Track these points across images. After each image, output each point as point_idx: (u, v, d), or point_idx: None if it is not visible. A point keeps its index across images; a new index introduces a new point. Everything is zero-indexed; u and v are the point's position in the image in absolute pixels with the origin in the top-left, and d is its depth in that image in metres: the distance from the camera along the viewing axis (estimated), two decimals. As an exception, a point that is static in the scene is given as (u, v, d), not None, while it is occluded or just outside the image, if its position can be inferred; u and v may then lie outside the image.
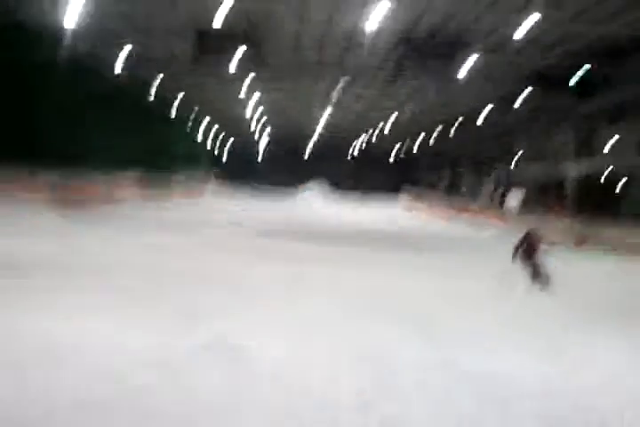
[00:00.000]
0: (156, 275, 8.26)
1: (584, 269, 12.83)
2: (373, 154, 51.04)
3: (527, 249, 9.31)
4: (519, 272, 9.17)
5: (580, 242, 20.84)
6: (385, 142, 46.19)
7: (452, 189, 42.39)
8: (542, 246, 9.35)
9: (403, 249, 14.69)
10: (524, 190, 31.22)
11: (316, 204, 37.56)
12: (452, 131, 36.65)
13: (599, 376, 5.04)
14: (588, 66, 19.74)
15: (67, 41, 17.12)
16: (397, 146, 49.90)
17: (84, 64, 19.04)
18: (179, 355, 4.80)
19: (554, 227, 23.21)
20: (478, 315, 7.10)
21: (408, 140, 45.53)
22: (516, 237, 9.57)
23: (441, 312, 7.13)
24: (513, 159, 33.59)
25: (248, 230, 17.07)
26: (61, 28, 16.29)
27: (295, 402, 4.03)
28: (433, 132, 39.60)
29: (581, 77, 21.02)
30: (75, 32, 16.41)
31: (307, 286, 8.24)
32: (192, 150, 39.49)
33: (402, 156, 52.01)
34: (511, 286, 8.89)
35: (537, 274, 9.21)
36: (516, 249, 9.20)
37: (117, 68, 21.33)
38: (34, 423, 3.48)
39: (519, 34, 16.68)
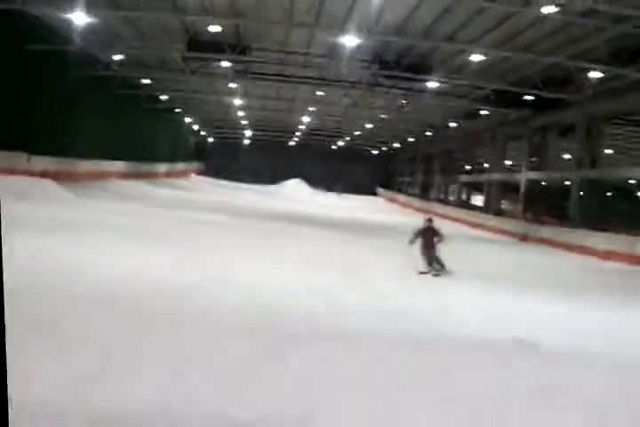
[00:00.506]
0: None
1: (508, 255, 15.47)
2: (352, 155, 53.13)
3: (426, 239, 10.11)
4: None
5: (524, 238, 23.38)
6: (363, 144, 48.37)
7: (423, 192, 44.68)
8: (439, 237, 10.12)
9: (348, 231, 17.31)
10: (486, 195, 33.57)
11: (291, 197, 39.86)
12: (424, 139, 38.97)
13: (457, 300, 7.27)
14: (535, 91, 21.90)
15: (70, 38, 18.75)
16: (374, 149, 52.01)
17: (81, 61, 20.74)
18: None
19: (507, 224, 25.91)
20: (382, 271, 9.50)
21: (384, 144, 47.71)
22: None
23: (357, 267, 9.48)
24: (476, 167, 35.93)
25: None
26: (66, 24, 17.79)
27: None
28: (406, 138, 41.88)
29: (534, 97, 23.32)
30: (77, 30, 17.95)
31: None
32: (179, 146, 41.48)
33: (378, 157, 54.19)
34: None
35: (432, 262, 9.97)
36: (414, 236, 10.12)
37: (114, 67, 23.01)
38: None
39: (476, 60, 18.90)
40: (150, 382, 3.62)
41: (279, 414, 3.39)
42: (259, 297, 6.54)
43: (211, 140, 52.79)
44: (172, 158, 38.60)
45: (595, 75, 18.88)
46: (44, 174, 17.35)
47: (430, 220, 10.79)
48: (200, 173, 47.80)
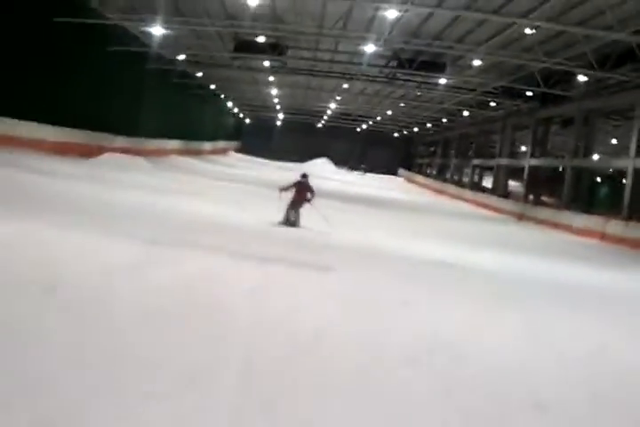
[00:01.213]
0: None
1: (491, 227, 18.65)
2: (375, 137, 55.94)
3: (297, 194, 10.26)
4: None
5: (520, 217, 26.33)
6: (385, 128, 51.16)
7: (439, 173, 47.49)
8: (311, 194, 10.28)
9: (367, 205, 20.67)
10: (494, 178, 36.34)
11: (318, 175, 43.22)
12: (441, 125, 41.68)
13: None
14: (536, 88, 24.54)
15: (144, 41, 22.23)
16: (396, 132, 54.71)
17: (150, 58, 24.18)
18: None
19: (508, 205, 28.82)
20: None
21: (405, 128, 50.45)
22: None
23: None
24: (487, 151, 38.61)
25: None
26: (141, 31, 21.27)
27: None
28: (425, 124, 44.61)
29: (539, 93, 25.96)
30: (151, 37, 21.38)
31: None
32: (221, 126, 45.14)
33: (400, 140, 56.90)
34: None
35: (289, 218, 10.26)
36: (284, 189, 10.36)
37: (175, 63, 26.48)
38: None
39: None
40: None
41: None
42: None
43: (247, 121, 56.15)
44: (214, 137, 42.20)
45: (583, 78, 21.59)
46: (124, 151, 21.06)
47: (305, 175, 10.80)
48: (238, 150, 51.35)
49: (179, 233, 7.98)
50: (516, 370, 4.14)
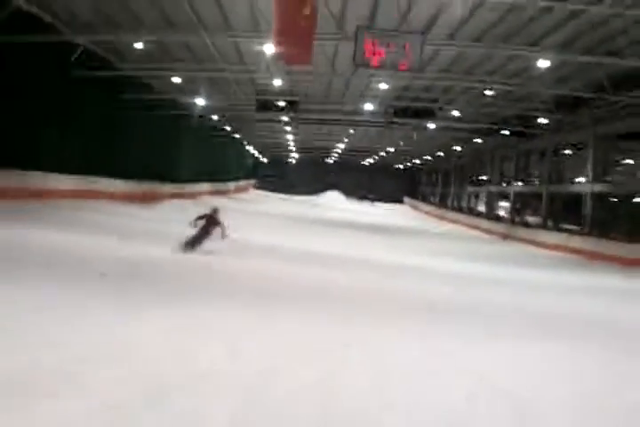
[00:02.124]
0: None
1: (468, 244, 22.62)
2: (381, 169, 60.48)
3: (206, 224, 10.51)
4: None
5: (505, 237, 30.28)
6: (390, 162, 55.76)
7: (441, 200, 51.68)
8: (218, 227, 10.46)
9: (370, 232, 24.70)
10: (486, 202, 40.39)
11: (330, 205, 47.78)
12: (439, 157, 46.13)
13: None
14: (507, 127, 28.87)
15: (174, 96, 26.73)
16: (400, 165, 59.25)
17: (182, 110, 28.81)
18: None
19: (496, 226, 32.75)
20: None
21: (407, 161, 54.98)
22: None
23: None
24: (479, 181, 42.83)
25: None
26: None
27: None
28: (424, 157, 49.13)
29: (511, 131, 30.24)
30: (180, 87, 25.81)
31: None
32: (241, 167, 50.11)
33: (404, 171, 61.37)
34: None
35: (194, 242, 10.34)
36: (197, 219, 10.52)
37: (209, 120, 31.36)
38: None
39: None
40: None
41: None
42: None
43: (264, 159, 61.11)
44: (236, 177, 46.94)
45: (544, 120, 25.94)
46: (172, 196, 25.57)
47: (216, 210, 11.11)
48: (256, 187, 56.07)
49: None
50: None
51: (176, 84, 23.61)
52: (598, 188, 24.37)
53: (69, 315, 5.25)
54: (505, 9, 14.31)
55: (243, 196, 44.47)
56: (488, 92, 20.80)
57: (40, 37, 15.86)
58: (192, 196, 31.57)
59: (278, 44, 10.39)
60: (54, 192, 17.62)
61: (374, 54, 11.10)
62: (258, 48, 17.40)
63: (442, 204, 50.41)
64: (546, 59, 16.11)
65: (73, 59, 18.06)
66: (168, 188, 27.29)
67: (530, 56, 16.83)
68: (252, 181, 55.78)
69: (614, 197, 25.68)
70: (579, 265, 18.83)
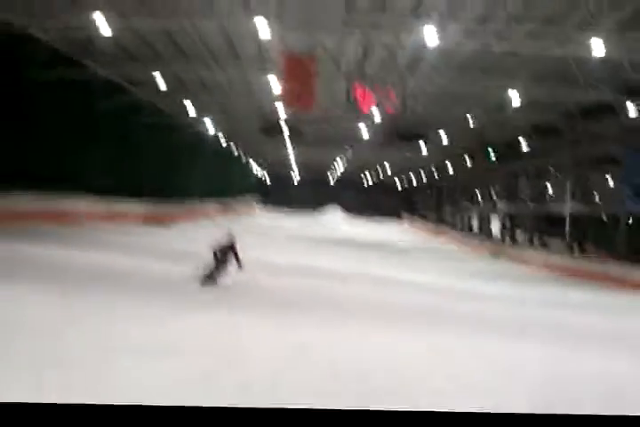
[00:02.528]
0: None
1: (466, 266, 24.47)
2: (380, 188, 62.71)
3: (222, 253, 9.87)
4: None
5: (495, 253, 32.00)
6: (387, 181, 58.03)
7: (438, 218, 53.62)
8: (233, 255, 9.78)
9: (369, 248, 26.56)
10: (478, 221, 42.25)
11: (331, 222, 49.84)
12: (434, 177, 48.28)
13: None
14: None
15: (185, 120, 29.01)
16: (398, 184, 61.55)
17: (203, 141, 31.17)
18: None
19: (486, 246, 34.56)
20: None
21: (403, 180, 57.20)
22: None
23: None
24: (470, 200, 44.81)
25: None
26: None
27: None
28: (421, 177, 51.29)
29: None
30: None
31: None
32: (247, 185, 52.42)
33: (402, 190, 63.57)
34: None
35: (213, 273, 9.82)
36: (216, 250, 9.87)
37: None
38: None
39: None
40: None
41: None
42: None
43: (268, 178, 63.66)
44: (242, 194, 49.11)
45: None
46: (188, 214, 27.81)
47: (232, 238, 10.18)
48: (261, 204, 58.23)
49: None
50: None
51: (190, 114, 26.03)
52: (575, 208, 26.28)
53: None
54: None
55: (249, 213, 46.55)
56: (471, 122, 22.74)
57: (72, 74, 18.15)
58: (203, 214, 33.64)
59: (286, 95, 12.48)
60: (82, 213, 19.60)
61: (364, 99, 13.17)
62: (264, 80, 19.60)
63: (439, 220, 52.32)
64: (519, 92, 18.12)
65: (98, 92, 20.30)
66: (186, 207, 29.37)
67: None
68: (258, 198, 57.94)
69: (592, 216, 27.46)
70: (549, 280, 20.78)
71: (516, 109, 21.48)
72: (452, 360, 6.43)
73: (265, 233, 29.27)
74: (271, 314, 8.17)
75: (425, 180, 51.92)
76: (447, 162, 40.17)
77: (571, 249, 26.38)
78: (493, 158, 32.91)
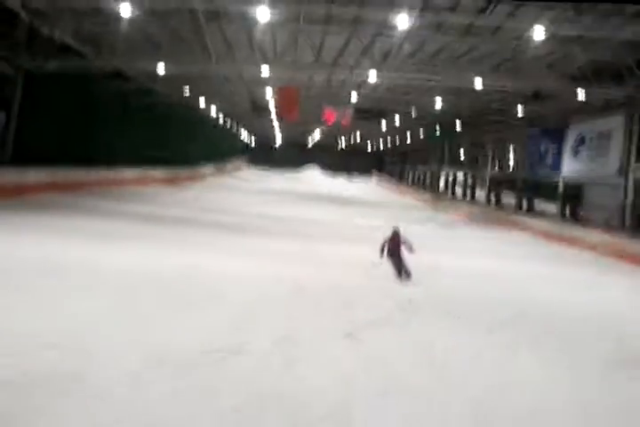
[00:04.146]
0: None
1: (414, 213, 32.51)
2: (353, 151, 70.00)
3: (392, 247, 9.88)
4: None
5: (435, 205, 40.15)
6: (360, 145, 65.33)
7: (400, 176, 61.63)
8: (405, 246, 9.90)
9: (341, 203, 34.26)
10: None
11: (308, 176, 57.81)
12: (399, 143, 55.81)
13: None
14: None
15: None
16: (369, 147, 68.92)
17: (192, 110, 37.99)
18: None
19: (428, 197, 42.55)
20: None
21: (374, 145, 64.55)
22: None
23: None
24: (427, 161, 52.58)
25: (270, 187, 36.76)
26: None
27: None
28: (387, 142, 58.75)
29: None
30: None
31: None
32: (235, 149, 59.48)
33: (373, 152, 70.99)
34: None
35: (400, 269, 9.98)
36: (382, 247, 9.88)
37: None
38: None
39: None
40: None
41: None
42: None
43: (254, 141, 70.46)
44: (230, 157, 56.30)
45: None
46: (190, 178, 35.02)
47: (397, 232, 10.20)
48: (248, 163, 65.57)
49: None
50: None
51: (196, 99, 32.98)
52: (494, 172, 34.28)
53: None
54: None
55: (237, 173, 53.89)
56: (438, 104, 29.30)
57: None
58: (202, 176, 40.97)
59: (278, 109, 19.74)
60: (122, 181, 26.84)
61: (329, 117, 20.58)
62: (256, 73, 26.41)
63: (402, 179, 60.35)
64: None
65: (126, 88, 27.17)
66: (189, 172, 36.66)
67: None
68: (245, 159, 65.24)
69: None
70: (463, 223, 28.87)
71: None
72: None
73: (250, 183, 36.86)
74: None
75: (391, 143, 59.54)
76: (411, 129, 47.64)
77: (488, 202, 34.60)
78: (438, 133, 40.78)
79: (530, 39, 16.74)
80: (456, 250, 16.81)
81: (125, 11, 15.65)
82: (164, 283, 7.92)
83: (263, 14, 15.76)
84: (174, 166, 34.29)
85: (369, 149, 70.67)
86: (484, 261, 14.57)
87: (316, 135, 54.85)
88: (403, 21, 16.04)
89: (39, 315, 5.83)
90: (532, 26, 16.12)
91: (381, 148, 64.72)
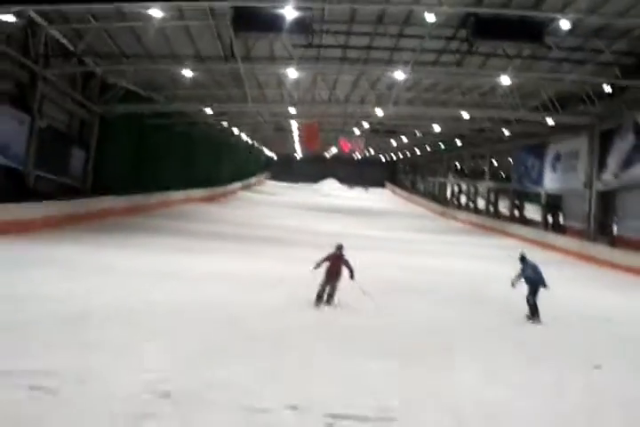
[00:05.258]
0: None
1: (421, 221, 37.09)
2: (368, 162, 74.71)
3: (331, 268, 9.36)
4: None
5: (442, 214, 44.67)
6: (375, 156, 70.10)
7: (411, 187, 66.15)
8: (344, 268, 9.38)
9: (357, 214, 38.92)
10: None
11: (328, 191, 62.58)
12: (411, 155, 60.37)
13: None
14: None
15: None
16: (383, 159, 73.62)
17: (224, 136, 43.06)
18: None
19: (438, 207, 47.07)
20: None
21: (388, 156, 69.23)
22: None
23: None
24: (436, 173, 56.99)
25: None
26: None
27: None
28: (400, 154, 63.33)
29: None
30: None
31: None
32: (259, 165, 64.65)
33: (386, 163, 75.67)
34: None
35: (322, 295, 9.40)
36: (320, 262, 9.47)
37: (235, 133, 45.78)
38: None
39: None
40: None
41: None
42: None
43: (274, 156, 75.66)
44: (254, 172, 61.41)
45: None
46: (223, 195, 40.08)
47: (341, 248, 9.67)
48: (269, 178, 70.68)
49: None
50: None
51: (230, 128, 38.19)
52: (490, 183, 38.74)
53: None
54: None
55: (262, 188, 58.94)
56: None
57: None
58: (232, 192, 46.02)
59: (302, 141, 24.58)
60: (173, 202, 31.80)
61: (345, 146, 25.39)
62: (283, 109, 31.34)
63: (413, 189, 64.90)
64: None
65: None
66: (221, 190, 41.73)
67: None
68: (267, 174, 70.44)
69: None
70: (465, 231, 33.34)
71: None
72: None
73: (279, 206, 41.75)
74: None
75: (404, 156, 64.24)
76: (422, 144, 52.22)
77: (487, 211, 39.01)
78: (443, 147, 45.36)
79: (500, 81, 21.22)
80: (448, 254, 21.34)
81: (187, 73, 20.66)
82: (248, 278, 12.29)
83: (292, 73, 20.64)
84: (210, 186, 39.31)
85: (382, 161, 75.36)
86: (464, 262, 18.99)
87: (334, 149, 59.70)
88: (399, 75, 20.75)
89: (194, 293, 10.43)
90: (499, 73, 20.67)
91: (394, 160, 69.37)
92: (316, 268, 9.35)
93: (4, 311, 7.67)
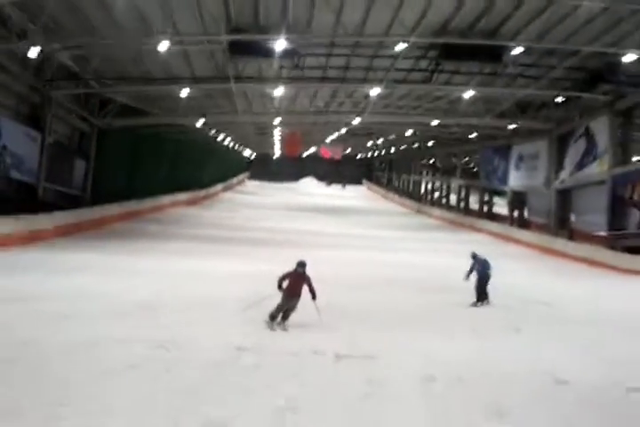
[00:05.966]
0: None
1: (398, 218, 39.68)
2: (345, 160, 76.97)
3: (291, 287, 8.74)
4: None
5: (417, 211, 47.39)
6: (351, 154, 72.53)
7: (387, 183, 68.88)
8: (306, 287, 8.81)
9: (337, 213, 41.32)
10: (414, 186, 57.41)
11: (308, 189, 64.98)
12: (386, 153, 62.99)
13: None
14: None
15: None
16: (359, 156, 76.22)
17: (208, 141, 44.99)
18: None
19: (413, 204, 49.77)
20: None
21: (364, 154, 71.87)
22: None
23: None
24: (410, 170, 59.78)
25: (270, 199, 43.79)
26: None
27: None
28: (375, 152, 65.93)
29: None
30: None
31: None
32: (240, 166, 66.60)
33: (363, 160, 78.25)
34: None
35: (278, 315, 8.84)
36: (282, 279, 8.77)
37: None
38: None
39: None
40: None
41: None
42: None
43: (253, 156, 77.52)
44: (235, 173, 63.31)
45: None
46: (205, 198, 42.08)
47: (303, 265, 8.96)
48: (249, 177, 72.65)
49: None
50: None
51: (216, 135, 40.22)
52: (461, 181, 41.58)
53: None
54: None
55: (243, 188, 60.95)
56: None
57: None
58: (215, 194, 47.96)
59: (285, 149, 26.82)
60: (161, 206, 33.63)
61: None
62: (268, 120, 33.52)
63: (389, 185, 67.72)
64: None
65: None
66: (203, 193, 43.69)
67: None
68: (247, 174, 72.33)
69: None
70: (438, 227, 36.06)
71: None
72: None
73: (259, 207, 43.96)
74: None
75: (379, 153, 66.88)
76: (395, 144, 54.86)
77: (458, 208, 41.85)
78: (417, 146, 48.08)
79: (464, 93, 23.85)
80: (422, 250, 23.87)
81: (184, 92, 22.77)
82: (251, 277, 14.18)
83: (278, 91, 22.95)
84: (193, 189, 41.18)
85: (359, 159, 77.91)
86: (434, 257, 21.51)
87: (311, 149, 61.96)
88: (373, 91, 23.20)
89: (215, 289, 12.49)
90: (463, 88, 23.30)
91: (370, 158, 72.04)
92: (279, 288, 8.77)
93: (97, 304, 9.99)
